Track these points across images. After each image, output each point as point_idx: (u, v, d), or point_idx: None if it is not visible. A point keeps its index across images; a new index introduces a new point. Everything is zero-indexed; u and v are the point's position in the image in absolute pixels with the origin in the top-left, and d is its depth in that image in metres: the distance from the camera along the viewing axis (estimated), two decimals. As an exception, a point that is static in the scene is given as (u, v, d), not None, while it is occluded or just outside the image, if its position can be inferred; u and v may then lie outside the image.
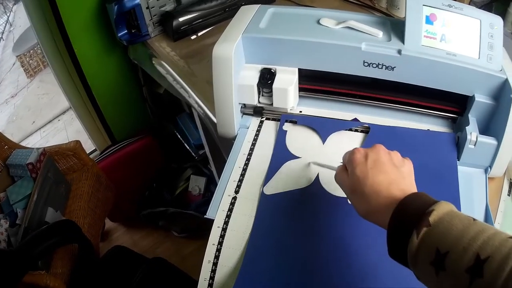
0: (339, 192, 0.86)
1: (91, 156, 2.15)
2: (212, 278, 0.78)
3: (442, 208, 0.54)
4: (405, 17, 0.88)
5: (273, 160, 0.93)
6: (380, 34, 0.90)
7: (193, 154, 2.03)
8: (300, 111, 1.03)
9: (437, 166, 0.87)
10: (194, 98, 1.29)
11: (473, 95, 0.88)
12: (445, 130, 0.96)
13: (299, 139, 0.97)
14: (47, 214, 1.54)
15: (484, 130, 0.89)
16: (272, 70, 0.98)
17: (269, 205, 0.86)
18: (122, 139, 2.09)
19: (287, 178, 0.90)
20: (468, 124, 0.88)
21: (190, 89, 1.32)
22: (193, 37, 1.54)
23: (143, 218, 2.16)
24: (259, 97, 1.01)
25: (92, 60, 1.75)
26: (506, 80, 0.84)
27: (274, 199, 0.87)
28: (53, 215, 1.56)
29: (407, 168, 0.68)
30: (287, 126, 0.99)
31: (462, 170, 0.88)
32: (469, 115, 0.89)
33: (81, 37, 1.66)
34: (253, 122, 1.02)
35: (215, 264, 0.80)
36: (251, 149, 0.97)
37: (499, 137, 0.85)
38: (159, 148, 2.20)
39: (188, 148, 2.04)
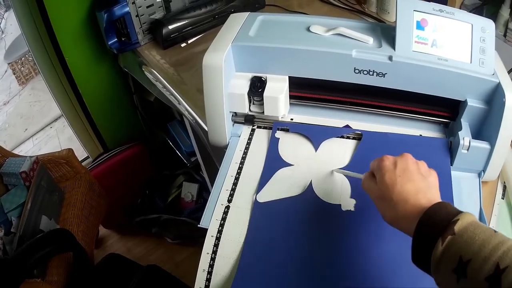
0: (332, 199, 0.86)
1: (83, 163, 2.14)
2: (207, 286, 0.79)
3: (467, 219, 0.56)
4: (395, 23, 0.87)
5: (266, 167, 0.93)
6: (370, 40, 0.90)
7: (185, 161, 2.02)
8: (291, 119, 1.03)
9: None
10: (184, 106, 1.28)
11: (466, 100, 0.88)
12: (437, 135, 0.96)
13: (292, 147, 0.96)
14: (41, 222, 1.53)
15: (477, 134, 0.89)
16: (262, 78, 0.98)
17: (262, 213, 0.86)
18: (114, 147, 2.08)
19: (281, 186, 0.90)
20: (460, 129, 0.88)
21: (180, 97, 1.31)
22: (183, 44, 1.53)
23: (136, 225, 2.16)
24: (250, 106, 1.00)
25: (83, 68, 1.75)
26: (499, 84, 0.84)
27: (268, 206, 0.87)
28: (47, 223, 1.56)
29: (433, 178, 0.70)
30: (279, 134, 0.99)
31: (455, 175, 0.88)
32: (462, 120, 0.89)
33: (72, 45, 1.66)
34: (245, 131, 1.02)
35: (209, 273, 0.80)
36: (243, 158, 0.96)
37: (492, 141, 0.85)
38: (151, 155, 2.20)
39: (180, 155, 2.04)
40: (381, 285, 0.74)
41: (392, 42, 0.88)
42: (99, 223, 1.96)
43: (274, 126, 1.00)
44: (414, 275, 0.71)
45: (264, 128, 1.02)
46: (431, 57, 0.86)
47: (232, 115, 1.03)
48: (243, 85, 0.98)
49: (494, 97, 0.85)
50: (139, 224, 2.15)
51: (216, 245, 0.82)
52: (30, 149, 3.09)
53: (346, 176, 0.89)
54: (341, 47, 0.90)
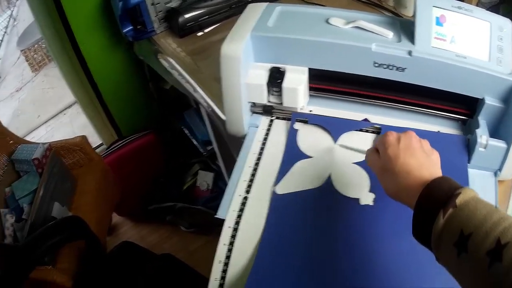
0: (350, 192, 0.86)
1: (97, 150, 2.15)
2: (223, 278, 0.78)
3: (469, 193, 0.57)
4: (414, 18, 0.87)
5: (285, 159, 0.93)
6: (390, 34, 0.90)
7: (200, 150, 2.02)
8: (310, 111, 1.03)
9: (448, 169, 0.86)
10: (200, 94, 1.28)
11: (483, 98, 0.88)
12: (454, 132, 0.96)
13: (310, 139, 0.96)
14: (53, 209, 1.54)
15: (494, 133, 0.89)
16: (281, 69, 0.98)
17: (280, 205, 0.86)
18: (129, 134, 2.08)
19: (299, 178, 0.90)
20: (478, 127, 0.88)
21: (197, 85, 1.31)
22: (199, 33, 1.53)
23: (150, 213, 2.16)
24: (268, 96, 1.01)
25: (98, 56, 1.75)
26: (516, 84, 0.84)
27: (286, 198, 0.87)
28: (59, 210, 1.56)
29: (435, 156, 0.71)
30: (298, 125, 0.99)
31: (472, 172, 0.88)
32: (479, 118, 0.89)
33: (86, 34, 1.65)
34: (263, 121, 1.02)
35: (226, 264, 0.80)
36: (262, 149, 0.97)
37: (508, 140, 0.85)
38: (166, 143, 2.19)
39: (195, 143, 2.04)
40: (402, 278, 0.74)
41: (411, 37, 0.88)
42: (112, 210, 1.97)
43: (293, 117, 1.00)
44: (430, 273, 0.71)
45: (283, 119, 1.02)
46: (450, 54, 0.86)
47: (251, 105, 1.03)
48: (261, 76, 0.98)
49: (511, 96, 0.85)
50: (153, 212, 2.15)
51: (233, 236, 0.83)
52: (43, 135, 3.11)
53: (365, 169, 0.89)
54: (360, 41, 0.90)
